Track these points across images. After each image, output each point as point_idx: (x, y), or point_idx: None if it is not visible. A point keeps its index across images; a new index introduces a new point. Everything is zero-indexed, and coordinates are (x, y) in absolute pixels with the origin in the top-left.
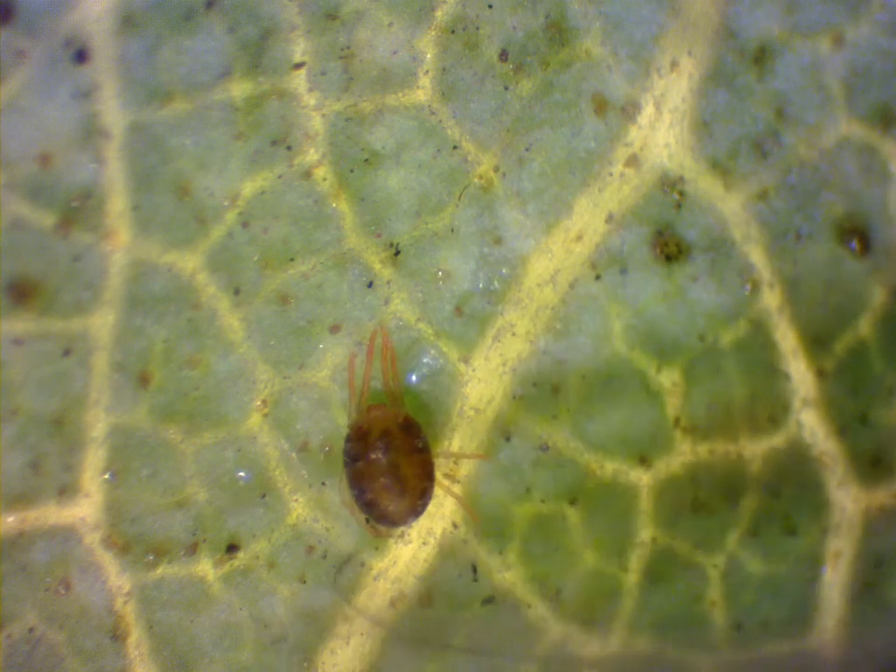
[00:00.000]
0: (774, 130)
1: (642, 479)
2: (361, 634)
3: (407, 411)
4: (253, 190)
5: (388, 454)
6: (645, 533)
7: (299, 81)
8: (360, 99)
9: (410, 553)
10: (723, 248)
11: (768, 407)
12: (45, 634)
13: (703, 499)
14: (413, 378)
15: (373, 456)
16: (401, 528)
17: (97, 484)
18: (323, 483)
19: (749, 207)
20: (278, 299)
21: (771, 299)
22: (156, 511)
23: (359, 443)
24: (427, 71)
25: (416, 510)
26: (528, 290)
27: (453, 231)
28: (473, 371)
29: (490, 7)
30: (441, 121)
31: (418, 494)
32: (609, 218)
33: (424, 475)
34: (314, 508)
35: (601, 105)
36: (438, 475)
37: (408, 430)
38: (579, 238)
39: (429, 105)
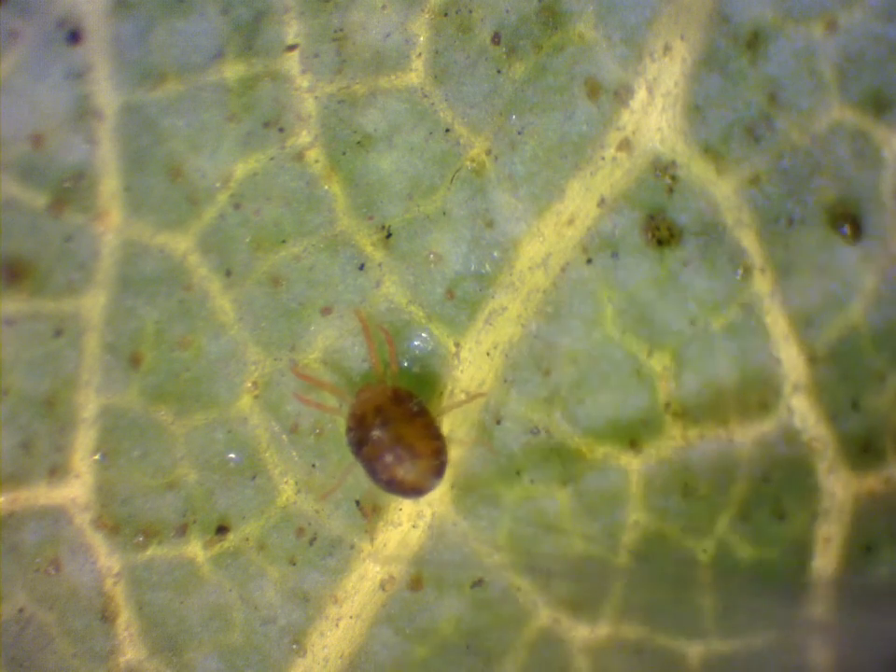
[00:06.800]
0: (766, 115)
1: (632, 463)
2: (351, 617)
3: (394, 384)
4: (245, 172)
5: (388, 428)
6: (635, 517)
7: (291, 63)
8: (353, 81)
9: (400, 535)
10: (715, 233)
11: (759, 392)
12: (35, 614)
13: (693, 484)
14: (404, 361)
15: (375, 435)
16: (428, 491)
17: (88, 465)
18: (313, 466)
19: (742, 192)
20: (270, 280)
21: (762, 283)
22: (146, 493)
23: (358, 429)
24: (420, 54)
25: (435, 470)
26: (520, 274)
27: (444, 213)
28: (464, 354)
29: None
30: (433, 104)
31: (431, 454)
32: (601, 202)
33: (430, 435)
34: (304, 490)
35: (594, 89)
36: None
37: (400, 400)
38: (570, 222)
39: (422, 88)
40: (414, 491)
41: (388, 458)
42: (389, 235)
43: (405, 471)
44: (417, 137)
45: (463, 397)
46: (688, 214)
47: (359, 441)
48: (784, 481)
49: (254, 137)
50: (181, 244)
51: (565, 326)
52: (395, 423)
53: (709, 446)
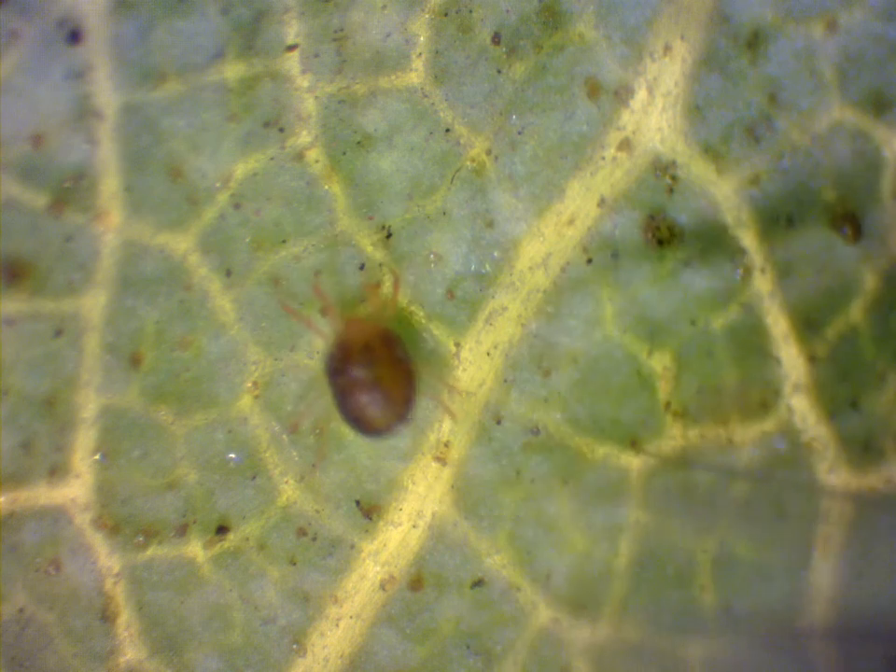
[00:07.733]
0: (767, 115)
1: (633, 463)
2: (351, 617)
3: (386, 324)
4: (245, 172)
5: (370, 367)
6: (635, 517)
7: (292, 63)
8: (353, 81)
9: (400, 535)
10: (715, 233)
11: (759, 392)
12: (35, 614)
13: (693, 484)
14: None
15: (355, 370)
16: (389, 437)
17: (88, 465)
18: (314, 465)
19: (742, 192)
20: (270, 280)
21: (762, 283)
22: (146, 493)
23: (341, 359)
24: (420, 54)
25: (401, 417)
26: (520, 274)
27: (445, 213)
28: (465, 354)
29: None
30: (433, 104)
31: (402, 402)
32: (602, 202)
33: (407, 384)
34: (304, 490)
35: (594, 89)
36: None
37: (388, 342)
38: (571, 222)
39: (422, 88)
40: (375, 432)
41: (363, 397)
42: (389, 235)
43: (374, 413)
44: (417, 137)
45: (463, 397)
46: (688, 214)
47: (338, 370)
48: (784, 480)
49: (254, 137)
50: (181, 244)
51: (565, 326)
52: (377, 364)
53: (709, 446)
